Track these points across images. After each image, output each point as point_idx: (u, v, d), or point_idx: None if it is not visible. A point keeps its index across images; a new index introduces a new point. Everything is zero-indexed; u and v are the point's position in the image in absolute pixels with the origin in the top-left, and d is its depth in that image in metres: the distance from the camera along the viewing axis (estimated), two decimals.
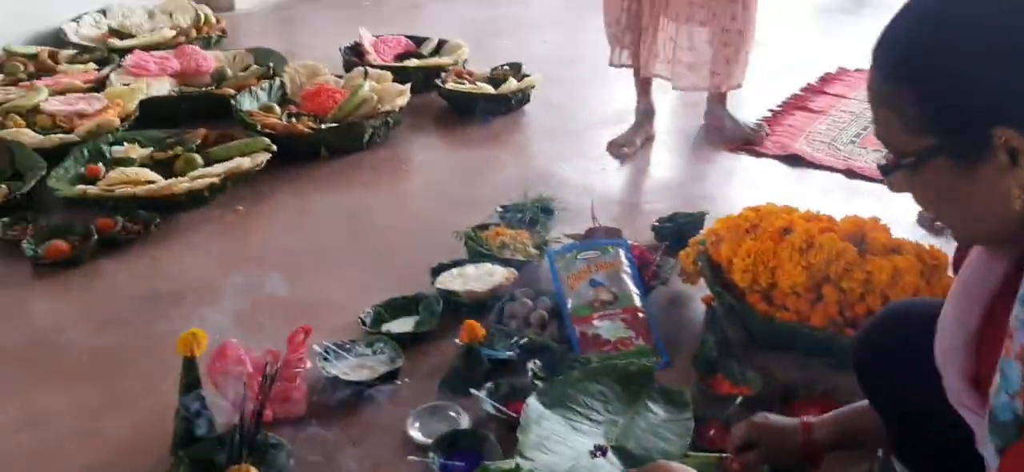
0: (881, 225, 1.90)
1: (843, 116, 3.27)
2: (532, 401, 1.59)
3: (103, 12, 3.93)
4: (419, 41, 3.71)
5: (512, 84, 3.26)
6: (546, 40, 4.12)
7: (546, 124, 3.21)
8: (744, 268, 1.85)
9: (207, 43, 3.73)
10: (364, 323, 1.95)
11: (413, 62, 3.49)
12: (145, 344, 1.92)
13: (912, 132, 0.90)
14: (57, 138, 2.72)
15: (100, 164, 2.60)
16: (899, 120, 0.91)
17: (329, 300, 2.05)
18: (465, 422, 1.66)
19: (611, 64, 2.98)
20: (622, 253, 2.05)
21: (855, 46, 3.90)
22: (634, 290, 1.97)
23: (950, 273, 1.76)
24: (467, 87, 3.24)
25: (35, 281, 2.19)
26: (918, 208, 2.40)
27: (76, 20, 3.80)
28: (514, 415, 1.62)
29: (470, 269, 2.11)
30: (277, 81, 3.19)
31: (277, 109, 3.02)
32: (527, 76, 3.33)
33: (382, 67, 3.31)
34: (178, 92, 3.18)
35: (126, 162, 2.62)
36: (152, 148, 2.74)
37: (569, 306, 1.93)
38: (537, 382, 1.71)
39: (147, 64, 3.30)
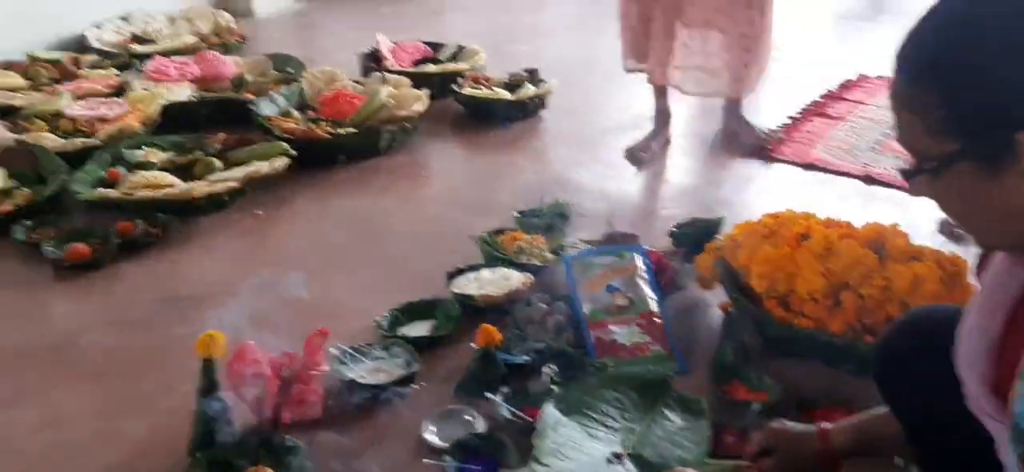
0: (901, 232, 1.88)
1: (862, 122, 3.24)
2: (548, 407, 1.59)
3: (125, 18, 3.97)
4: (437, 47, 3.73)
5: (529, 90, 3.27)
6: (563, 46, 4.13)
7: (563, 130, 3.21)
8: (762, 274, 1.84)
9: (227, 49, 3.76)
10: (381, 327, 1.96)
11: (431, 68, 3.50)
12: (164, 346, 1.94)
13: (935, 136, 0.89)
14: (79, 142, 2.75)
15: (121, 168, 2.63)
16: (922, 123, 0.90)
17: (346, 304, 2.06)
18: (481, 426, 1.66)
19: (626, 70, 2.98)
20: (639, 258, 2.05)
21: (874, 52, 3.88)
22: (650, 295, 1.97)
23: (971, 280, 1.74)
24: (484, 93, 3.25)
25: (56, 283, 2.22)
26: (939, 215, 2.38)
27: (98, 26, 3.84)
28: (530, 419, 1.62)
29: (486, 274, 2.11)
30: (296, 86, 3.21)
31: (296, 114, 3.03)
32: (544, 82, 3.34)
33: (400, 73, 3.32)
34: (198, 97, 3.21)
35: (146, 166, 2.65)
36: (172, 152, 2.76)
37: (585, 311, 1.93)
38: (553, 387, 1.71)
39: (168, 70, 3.33)
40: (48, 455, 1.64)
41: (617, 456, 1.52)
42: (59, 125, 2.88)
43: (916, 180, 0.93)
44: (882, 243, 1.83)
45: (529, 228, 2.34)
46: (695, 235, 2.25)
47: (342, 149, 2.85)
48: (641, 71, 2.94)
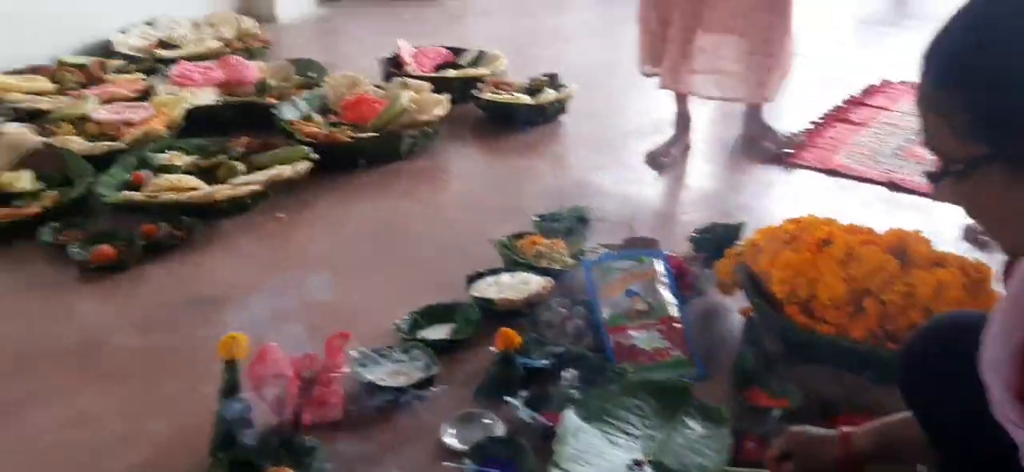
0: (924, 238, 1.87)
1: (885, 128, 3.22)
2: (569, 414, 1.59)
3: (150, 24, 4.02)
4: (458, 52, 3.74)
5: (550, 94, 3.27)
6: (583, 51, 4.13)
7: (583, 134, 3.21)
8: (783, 279, 1.83)
9: (250, 54, 3.79)
10: (400, 330, 1.96)
11: (451, 73, 3.52)
12: (187, 347, 1.96)
13: (962, 139, 0.88)
14: (105, 145, 2.78)
15: (146, 171, 2.66)
16: (948, 126, 0.89)
17: (366, 306, 2.07)
18: (500, 430, 1.66)
19: (644, 74, 2.97)
20: (659, 263, 2.04)
21: (898, 58, 3.85)
22: (670, 300, 1.96)
23: (996, 286, 1.73)
24: (505, 97, 3.26)
25: (82, 284, 2.24)
26: (963, 222, 2.36)
27: (124, 31, 3.89)
28: (549, 424, 1.63)
29: (506, 278, 2.12)
30: (318, 91, 3.23)
31: (318, 119, 3.06)
32: (564, 86, 3.34)
33: (421, 78, 3.34)
34: (222, 102, 3.24)
35: (170, 169, 2.68)
36: (196, 156, 2.79)
37: (605, 316, 1.93)
38: (572, 391, 1.71)
39: (192, 74, 3.37)
40: (73, 454, 1.66)
41: (638, 463, 1.52)
42: (85, 128, 2.91)
43: (942, 184, 0.92)
44: (905, 249, 1.82)
45: (549, 232, 2.34)
46: (715, 240, 2.24)
47: (363, 153, 2.87)
48: (657, 75, 2.93)
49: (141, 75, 3.46)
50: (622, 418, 1.63)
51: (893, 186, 2.76)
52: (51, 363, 1.93)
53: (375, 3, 4.89)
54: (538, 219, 2.43)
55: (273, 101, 3.15)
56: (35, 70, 3.44)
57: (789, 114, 3.21)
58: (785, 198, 2.69)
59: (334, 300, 1.93)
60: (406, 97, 3.04)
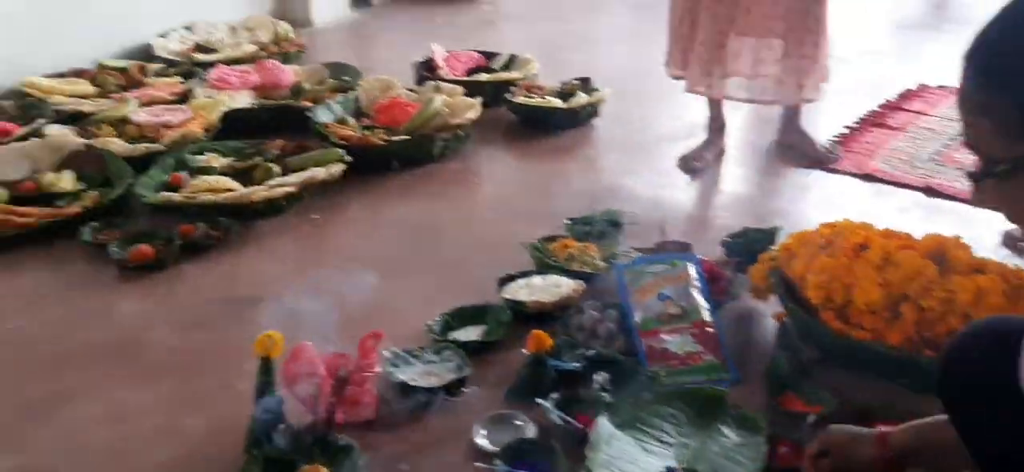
0: (963, 244, 1.84)
1: (923, 133, 3.18)
2: (602, 420, 1.58)
3: (189, 28, 4.08)
4: (490, 56, 3.75)
5: (582, 98, 3.27)
6: (616, 55, 4.12)
7: (615, 138, 3.21)
8: (818, 284, 1.81)
9: (286, 58, 3.83)
10: (432, 331, 1.98)
11: (484, 76, 3.53)
12: (223, 345, 1.99)
13: (1005, 138, 0.88)
14: (144, 147, 2.82)
15: (183, 172, 2.70)
16: (991, 126, 0.88)
17: (399, 307, 2.08)
18: (531, 432, 1.66)
19: (672, 76, 2.95)
20: (691, 267, 2.03)
21: (935, 62, 3.79)
22: (703, 305, 1.95)
23: None
24: (536, 101, 3.26)
25: (121, 283, 2.28)
26: (1003, 229, 2.31)
27: (163, 36, 3.95)
28: (580, 426, 1.63)
29: (537, 280, 2.12)
30: (352, 95, 3.26)
31: (351, 122, 3.08)
32: (596, 90, 3.34)
33: (453, 81, 3.36)
34: (258, 105, 3.28)
35: (208, 171, 2.71)
36: (232, 158, 2.82)
37: (637, 319, 1.92)
38: (603, 394, 1.71)
39: (229, 78, 3.41)
40: (112, 449, 1.69)
41: (671, 471, 1.51)
42: (126, 131, 2.96)
43: (983, 185, 0.91)
44: (943, 254, 1.79)
45: (581, 236, 2.34)
46: (748, 245, 2.22)
47: (396, 156, 2.89)
48: (684, 78, 2.90)
49: (180, 79, 3.51)
50: (656, 426, 1.62)
51: (931, 192, 2.72)
52: (90, 359, 1.96)
53: (408, 8, 4.92)
54: (570, 222, 2.43)
55: (308, 104, 3.18)
56: (77, 73, 3.51)
57: (825, 119, 3.17)
58: (820, 203, 2.66)
59: (367, 300, 1.94)
60: (439, 101, 3.05)
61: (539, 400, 1.70)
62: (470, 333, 1.99)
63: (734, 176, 2.96)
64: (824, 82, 2.83)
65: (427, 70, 3.57)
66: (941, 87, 3.52)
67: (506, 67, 3.64)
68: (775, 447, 1.57)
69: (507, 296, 2.06)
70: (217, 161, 2.79)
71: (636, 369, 1.80)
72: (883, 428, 1.35)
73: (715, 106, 2.97)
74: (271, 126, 3.09)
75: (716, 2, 2.73)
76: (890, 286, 1.75)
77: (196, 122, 3.00)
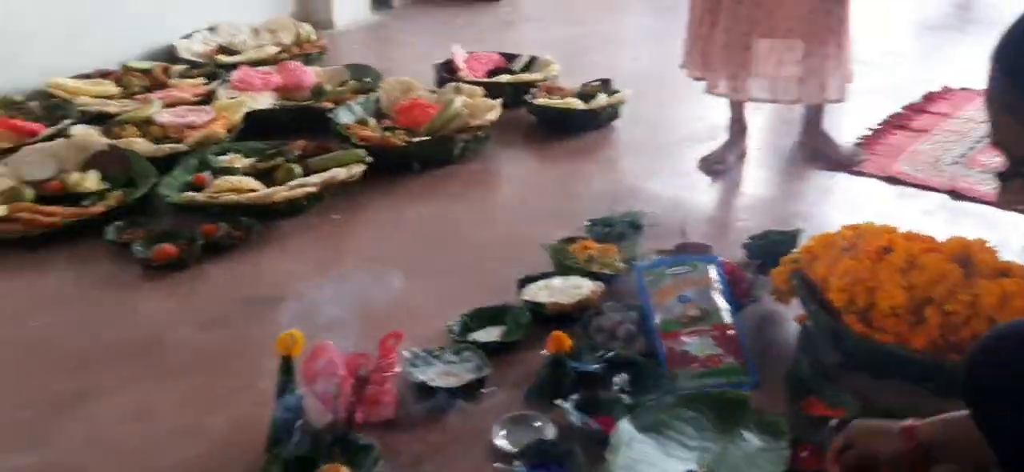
0: (988, 247, 1.82)
1: (948, 135, 3.14)
2: (623, 423, 1.58)
3: (212, 30, 4.11)
4: (510, 57, 3.76)
5: (602, 99, 3.26)
6: (637, 57, 4.11)
7: (636, 139, 3.20)
8: (841, 287, 1.80)
9: (308, 59, 3.85)
10: (452, 331, 1.98)
11: (504, 78, 3.53)
12: (244, 344, 2.00)
13: None
14: (168, 148, 2.85)
15: (206, 173, 2.72)
16: (1018, 125, 0.88)
17: (418, 307, 2.09)
18: (550, 433, 1.66)
19: (692, 77, 2.93)
20: (712, 269, 2.02)
21: (960, 63, 3.75)
22: (724, 307, 1.94)
23: None
24: (557, 102, 3.26)
25: (144, 282, 2.31)
26: None
27: (187, 37, 3.99)
28: (600, 428, 1.62)
29: (557, 281, 2.12)
30: (373, 96, 3.27)
31: (372, 123, 3.09)
32: (617, 92, 3.33)
33: (474, 83, 3.36)
34: (280, 106, 3.30)
35: (230, 171, 2.74)
36: (254, 158, 2.84)
37: (657, 321, 1.91)
38: (623, 396, 1.71)
39: (252, 79, 3.44)
40: (135, 445, 1.71)
41: None
42: (150, 131, 2.99)
43: (1012, 184, 0.91)
44: (968, 258, 1.77)
45: (601, 237, 2.33)
46: (770, 247, 2.21)
47: (416, 157, 2.90)
48: (703, 79, 2.89)
49: (203, 80, 3.54)
50: (678, 429, 1.61)
51: (956, 194, 2.69)
52: (114, 357, 1.98)
53: (429, 9, 4.94)
54: (590, 224, 2.43)
55: (329, 105, 3.19)
56: (102, 75, 3.55)
57: (847, 121, 3.15)
58: (842, 206, 2.64)
59: (387, 300, 1.94)
60: (459, 102, 3.06)
61: (558, 401, 1.70)
62: (490, 334, 1.99)
63: (756, 178, 2.94)
64: (848, 83, 2.80)
65: (447, 71, 3.58)
66: (965, 89, 3.48)
67: (526, 68, 3.64)
68: (796, 451, 1.55)
69: (527, 297, 2.06)
70: (239, 161, 2.81)
71: (656, 371, 1.80)
72: (910, 421, 1.32)
73: (737, 108, 2.96)
74: (293, 127, 3.11)
75: (737, 4, 2.72)
76: (914, 289, 1.73)
77: (219, 123, 3.03)
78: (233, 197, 2.55)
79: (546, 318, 1.99)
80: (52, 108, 3.21)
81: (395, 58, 4.11)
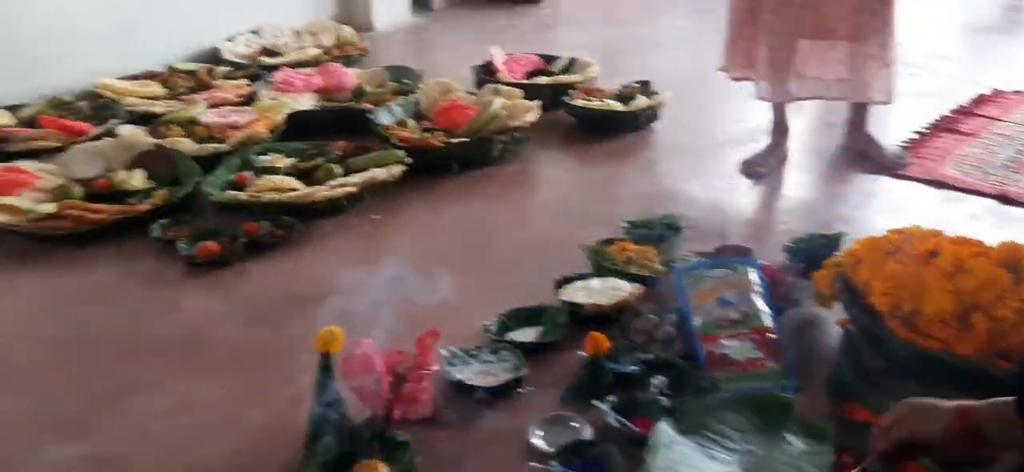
0: None
1: (996, 139, 3.07)
2: (663, 425, 1.56)
3: (255, 33, 4.17)
4: (549, 59, 3.75)
5: (641, 101, 3.25)
6: (677, 59, 4.08)
7: (675, 142, 3.18)
8: (885, 292, 1.76)
9: (348, 61, 3.89)
10: (489, 331, 1.98)
11: (543, 80, 3.53)
12: (285, 340, 2.02)
13: None
14: (211, 147, 2.90)
15: (249, 172, 2.76)
16: None
17: (456, 307, 2.09)
18: (587, 433, 1.65)
19: (733, 78, 2.90)
20: (752, 272, 2.00)
21: (1010, 67, 3.67)
22: (764, 310, 1.91)
23: None
24: (596, 104, 3.25)
25: (188, 279, 2.35)
26: None
27: (231, 40, 4.05)
28: (637, 429, 1.61)
29: (595, 283, 2.11)
30: (412, 97, 3.29)
31: (412, 124, 3.11)
32: (656, 94, 3.31)
33: (513, 84, 3.37)
34: (321, 107, 3.34)
35: (272, 171, 2.77)
36: (296, 158, 2.88)
37: (696, 324, 1.89)
38: (661, 399, 1.69)
39: (293, 80, 3.48)
40: (179, 438, 1.73)
41: None
42: (194, 131, 3.04)
43: None
44: (1018, 263, 1.73)
45: (639, 239, 2.32)
46: (812, 250, 2.18)
47: (455, 158, 2.91)
48: (748, 80, 2.86)
49: (246, 81, 3.59)
50: (720, 432, 1.60)
51: (1004, 199, 2.63)
52: (158, 352, 2.02)
53: (468, 11, 4.96)
54: (628, 225, 2.41)
55: (369, 107, 3.22)
56: (149, 76, 3.62)
57: (894, 124, 3.09)
58: (887, 210, 2.59)
59: (425, 299, 1.95)
60: (498, 103, 3.07)
61: (595, 402, 1.69)
62: (527, 334, 1.99)
63: (797, 181, 2.90)
64: (893, 84, 2.75)
65: (486, 73, 3.59)
66: (1016, 92, 3.40)
67: (565, 70, 3.64)
68: (838, 456, 1.53)
69: (564, 298, 2.06)
70: (281, 161, 2.84)
71: (694, 373, 1.78)
72: (965, 402, 1.28)
73: (779, 110, 2.92)
74: (333, 128, 3.14)
75: (783, 5, 2.68)
76: (961, 294, 1.69)
77: (261, 123, 3.07)
78: (275, 196, 2.58)
79: (583, 319, 1.98)
80: (100, 108, 3.28)
81: (434, 60, 4.13)
